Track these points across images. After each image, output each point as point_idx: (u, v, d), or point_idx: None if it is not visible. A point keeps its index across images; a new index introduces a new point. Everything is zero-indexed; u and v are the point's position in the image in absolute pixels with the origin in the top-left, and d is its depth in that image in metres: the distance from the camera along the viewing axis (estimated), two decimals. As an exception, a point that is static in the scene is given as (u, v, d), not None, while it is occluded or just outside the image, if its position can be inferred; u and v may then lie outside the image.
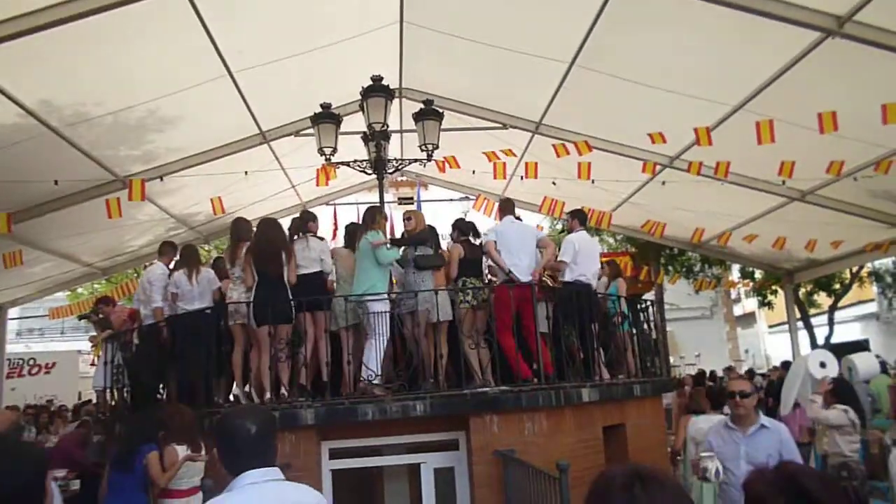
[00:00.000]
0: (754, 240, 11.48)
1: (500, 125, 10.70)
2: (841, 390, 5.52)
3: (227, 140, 10.23)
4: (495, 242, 6.88)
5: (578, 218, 7.75)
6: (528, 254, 6.90)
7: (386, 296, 6.27)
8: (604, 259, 9.59)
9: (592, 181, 9.12)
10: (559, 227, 16.61)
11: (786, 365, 10.75)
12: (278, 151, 10.63)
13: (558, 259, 7.32)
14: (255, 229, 6.57)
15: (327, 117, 7.99)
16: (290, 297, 6.16)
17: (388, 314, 6.11)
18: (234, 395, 5.95)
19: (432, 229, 7.21)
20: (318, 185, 9.84)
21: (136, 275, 14.91)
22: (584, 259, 7.18)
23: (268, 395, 5.74)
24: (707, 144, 7.75)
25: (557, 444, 5.42)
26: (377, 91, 7.54)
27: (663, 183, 9.95)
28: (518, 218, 7.46)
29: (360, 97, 7.96)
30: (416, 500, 5.97)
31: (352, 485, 6.11)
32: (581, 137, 9.43)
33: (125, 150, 9.34)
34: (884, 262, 18.96)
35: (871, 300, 22.37)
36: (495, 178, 9.57)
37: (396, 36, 9.19)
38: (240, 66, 8.40)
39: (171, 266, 7.35)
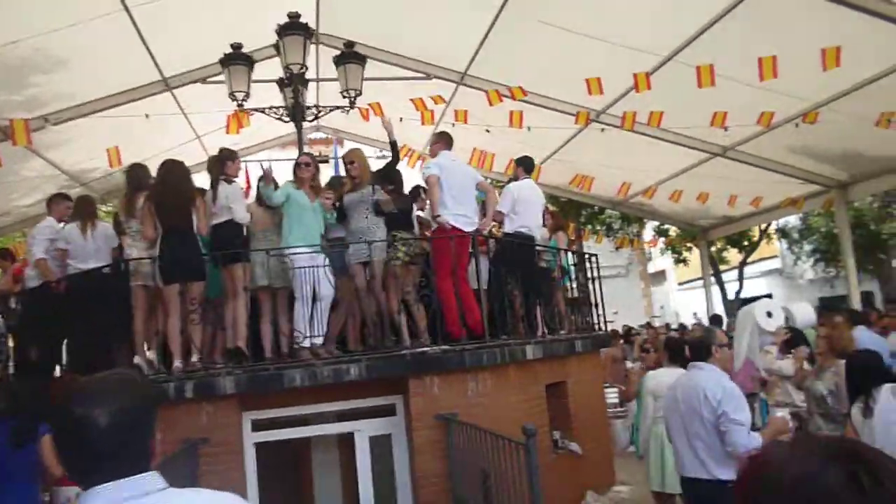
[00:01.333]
0: (679, 196, 11.49)
1: (424, 75, 10.17)
2: (795, 340, 5.45)
3: (125, 86, 9.25)
4: (438, 178, 6.09)
5: (524, 165, 7.24)
6: (470, 199, 6.30)
7: (320, 248, 5.73)
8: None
9: (528, 128, 8.73)
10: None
11: (715, 319, 10.88)
12: (183, 101, 9.71)
13: (497, 207, 6.81)
14: (155, 176, 5.73)
15: (239, 59, 7.26)
16: (203, 251, 5.48)
17: (323, 268, 5.61)
18: (136, 364, 5.28)
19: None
20: (228, 132, 9.03)
21: (24, 239, 13.59)
22: (525, 209, 6.73)
23: (177, 363, 5.05)
24: (646, 89, 7.50)
25: (501, 404, 5.09)
26: (295, 29, 6.86)
27: (602, 130, 9.69)
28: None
29: (274, 40, 7.26)
30: (349, 471, 5.52)
31: (279, 459, 5.58)
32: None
33: (4, 94, 8.25)
34: (789, 220, 19.73)
35: (775, 256, 23.38)
36: (423, 124, 9.01)
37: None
38: (138, 1, 7.50)
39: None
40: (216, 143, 10.34)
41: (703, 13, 7.43)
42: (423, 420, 4.98)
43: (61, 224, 6.27)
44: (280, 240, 5.84)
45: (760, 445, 3.60)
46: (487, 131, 8.94)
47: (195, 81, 9.65)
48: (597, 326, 6.85)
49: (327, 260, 5.77)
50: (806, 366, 5.26)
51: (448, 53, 9.78)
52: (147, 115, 8.78)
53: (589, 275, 6.89)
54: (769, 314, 6.19)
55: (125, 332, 5.31)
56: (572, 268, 7.12)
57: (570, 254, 6.75)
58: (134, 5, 7.52)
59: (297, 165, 6.10)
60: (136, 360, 5.16)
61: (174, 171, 5.51)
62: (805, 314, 6.31)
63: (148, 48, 8.48)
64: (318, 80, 10.12)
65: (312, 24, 9.52)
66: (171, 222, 5.32)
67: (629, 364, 9.76)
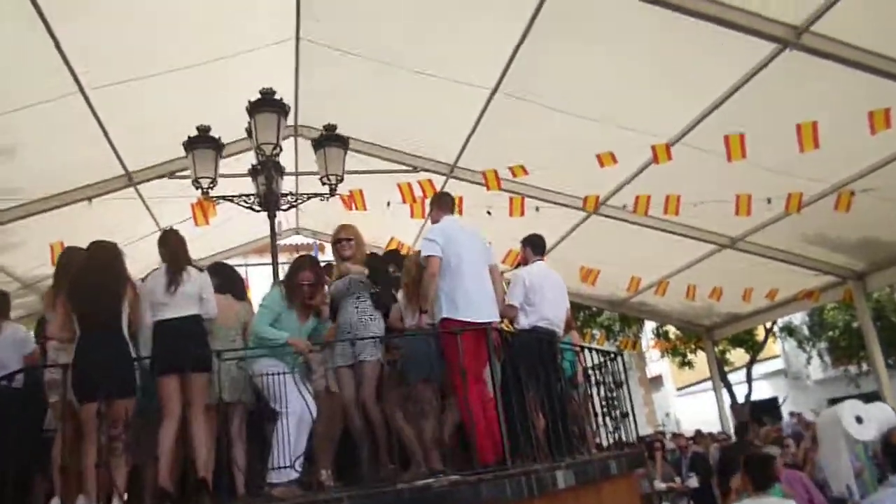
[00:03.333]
0: (694, 292, 10.62)
1: (411, 168, 9.47)
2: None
3: (82, 182, 8.41)
4: (440, 259, 4.80)
5: (532, 245, 6.05)
6: (484, 276, 4.98)
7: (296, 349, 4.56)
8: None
9: (537, 209, 7.92)
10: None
11: (742, 428, 9.75)
12: (146, 194, 8.87)
13: (507, 301, 5.62)
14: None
15: (205, 141, 6.46)
16: (133, 356, 4.27)
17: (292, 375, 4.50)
18: None
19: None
20: (196, 223, 8.14)
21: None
22: (542, 299, 5.60)
23: None
24: (667, 160, 6.75)
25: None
26: (268, 105, 6.11)
27: (607, 218, 8.90)
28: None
29: (246, 125, 6.50)
30: None
31: None
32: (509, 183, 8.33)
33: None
34: (794, 317, 18.90)
35: (777, 356, 22.41)
36: (412, 217, 8.19)
37: (292, 59, 7.87)
38: (95, 82, 6.78)
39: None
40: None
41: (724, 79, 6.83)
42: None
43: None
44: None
45: None
46: (489, 213, 8.10)
47: (161, 176, 8.85)
48: (628, 441, 5.72)
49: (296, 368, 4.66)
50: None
51: (437, 143, 9.13)
52: (90, 200, 7.83)
53: (618, 378, 5.81)
54: (859, 420, 5.08)
55: (42, 463, 4.13)
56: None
57: (593, 353, 5.68)
58: (92, 87, 6.81)
59: (297, 281, 4.81)
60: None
61: (98, 254, 4.42)
62: (885, 416, 5.19)
63: (108, 136, 7.70)
64: (297, 175, 9.36)
65: (291, 118, 8.95)
66: (90, 318, 4.20)
67: (657, 484, 8.54)
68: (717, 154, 7.27)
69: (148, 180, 8.82)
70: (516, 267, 6.13)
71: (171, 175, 8.72)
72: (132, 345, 4.29)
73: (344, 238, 5.32)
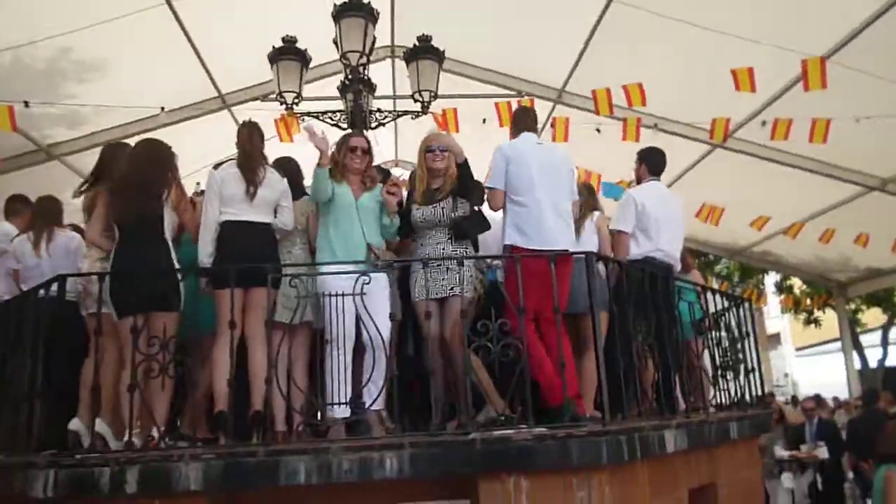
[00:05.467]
0: (831, 236, 9.36)
1: (515, 92, 8.71)
2: None
3: (181, 102, 8.22)
4: (506, 171, 4.17)
5: (649, 161, 5.09)
6: (562, 201, 4.24)
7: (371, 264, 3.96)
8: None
9: (655, 126, 6.95)
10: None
11: (870, 395, 8.61)
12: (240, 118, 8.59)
13: (610, 228, 4.90)
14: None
15: (290, 53, 5.99)
16: (175, 262, 3.78)
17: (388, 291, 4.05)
18: (71, 430, 3.73)
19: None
20: (280, 140, 7.80)
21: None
22: (657, 225, 4.72)
23: (114, 441, 3.42)
24: (819, 86, 5.67)
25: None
26: (354, 10, 5.52)
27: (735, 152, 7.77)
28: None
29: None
30: None
31: None
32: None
33: (39, 105, 7.29)
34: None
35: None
36: (502, 126, 7.40)
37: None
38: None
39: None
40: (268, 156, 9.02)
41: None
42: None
43: (15, 234, 4.73)
44: (305, 253, 4.34)
45: None
46: (598, 130, 7.25)
47: (255, 98, 8.56)
48: (753, 401, 4.89)
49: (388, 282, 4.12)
50: None
51: (543, 65, 8.30)
52: (163, 109, 7.67)
53: (744, 328, 4.95)
54: None
55: (68, 385, 3.81)
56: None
57: (717, 296, 4.81)
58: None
59: (345, 149, 4.33)
60: (74, 424, 3.67)
61: (145, 152, 3.97)
62: None
63: (198, 55, 7.42)
64: (394, 98, 8.81)
65: (387, 40, 8.38)
66: (130, 222, 3.73)
67: (778, 451, 7.63)
68: (871, 76, 6.15)
69: (241, 102, 8.56)
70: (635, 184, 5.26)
71: (265, 98, 8.41)
72: (175, 252, 3.87)
73: (437, 147, 4.46)
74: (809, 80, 5.81)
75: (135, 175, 3.85)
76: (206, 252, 3.94)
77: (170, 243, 3.85)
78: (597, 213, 4.95)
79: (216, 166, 4.23)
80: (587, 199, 4.98)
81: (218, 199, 4.00)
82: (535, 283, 3.71)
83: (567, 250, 4.09)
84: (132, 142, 7.67)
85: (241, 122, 4.50)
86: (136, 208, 3.78)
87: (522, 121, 4.57)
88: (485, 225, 4.51)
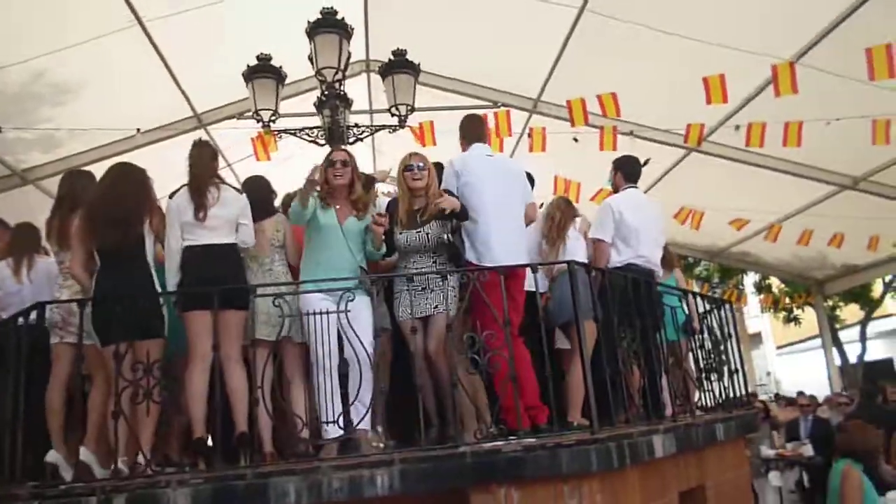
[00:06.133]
0: (809, 237, 9.51)
1: (490, 103, 8.77)
2: None
3: (155, 122, 8.16)
4: (458, 179, 4.23)
5: (624, 170, 5.14)
6: (512, 215, 4.30)
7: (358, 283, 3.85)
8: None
9: (632, 133, 7.01)
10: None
11: (869, 389, 8.69)
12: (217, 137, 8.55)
13: (590, 235, 4.94)
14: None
15: (265, 71, 5.99)
16: (156, 286, 3.76)
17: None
18: (49, 462, 3.66)
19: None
20: (257, 158, 7.78)
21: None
22: (636, 233, 4.77)
23: (115, 464, 3.31)
24: (789, 91, 5.78)
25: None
26: (328, 26, 5.53)
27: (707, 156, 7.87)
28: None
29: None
30: None
31: None
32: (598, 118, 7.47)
33: (13, 130, 7.22)
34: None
35: (894, 314, 20.53)
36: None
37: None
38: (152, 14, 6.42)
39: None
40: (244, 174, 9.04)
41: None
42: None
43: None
44: (284, 268, 4.30)
45: None
46: (575, 140, 7.31)
47: (230, 117, 8.53)
48: (738, 401, 4.93)
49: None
50: None
51: (518, 75, 8.37)
52: (139, 130, 7.53)
53: (726, 330, 5.00)
54: None
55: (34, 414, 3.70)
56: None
57: (698, 299, 4.85)
58: (149, 18, 6.45)
59: (326, 163, 4.23)
60: (51, 456, 3.62)
61: (120, 178, 3.91)
62: None
63: (172, 75, 7.39)
64: (371, 113, 8.82)
65: (362, 55, 8.38)
66: (111, 247, 3.70)
67: (764, 450, 7.67)
68: (839, 77, 6.29)
69: (217, 121, 8.54)
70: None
71: (241, 115, 8.38)
72: (157, 278, 3.85)
73: (415, 164, 4.36)
74: (780, 86, 5.92)
75: (112, 203, 3.80)
76: (172, 282, 3.90)
77: (152, 270, 3.81)
78: (578, 219, 4.98)
79: (171, 195, 4.20)
80: (565, 208, 5.02)
81: (178, 227, 3.95)
82: (497, 296, 3.71)
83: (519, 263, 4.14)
84: (106, 164, 7.68)
85: (204, 141, 4.48)
86: (116, 238, 3.73)
87: (473, 131, 4.58)
88: None
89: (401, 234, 4.34)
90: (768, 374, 24.34)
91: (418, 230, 4.30)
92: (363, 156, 10.77)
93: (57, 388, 3.83)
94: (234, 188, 4.20)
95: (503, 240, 4.19)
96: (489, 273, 3.81)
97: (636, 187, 5.17)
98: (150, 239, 3.86)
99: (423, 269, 4.24)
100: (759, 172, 8.55)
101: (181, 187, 4.09)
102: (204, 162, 4.14)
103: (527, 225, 4.60)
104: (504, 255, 4.14)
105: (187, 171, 4.16)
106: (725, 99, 6.27)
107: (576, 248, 4.80)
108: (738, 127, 7.02)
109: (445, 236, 4.29)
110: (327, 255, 4.10)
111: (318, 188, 4.12)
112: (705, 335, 4.94)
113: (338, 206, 4.24)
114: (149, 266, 3.81)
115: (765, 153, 8.18)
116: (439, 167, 4.59)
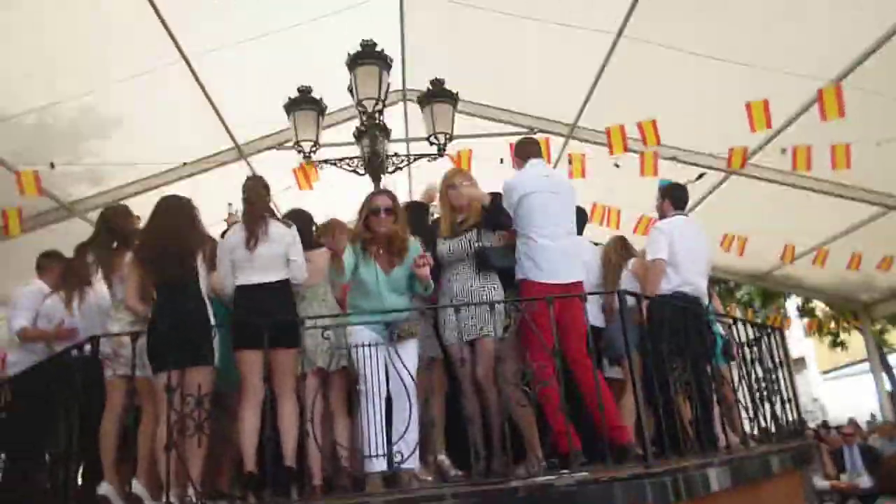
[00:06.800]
0: (859, 261, 9.26)
1: (527, 129, 8.76)
2: None
3: (196, 155, 8.33)
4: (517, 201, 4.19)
5: (672, 197, 5.04)
6: (569, 229, 4.28)
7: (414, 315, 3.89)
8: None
9: (675, 159, 6.95)
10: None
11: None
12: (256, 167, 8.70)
13: (647, 257, 4.79)
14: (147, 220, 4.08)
15: (306, 102, 6.07)
16: (210, 317, 3.79)
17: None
18: (102, 495, 3.67)
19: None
20: (299, 188, 7.89)
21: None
22: (685, 259, 4.64)
23: (167, 496, 3.26)
24: (836, 115, 5.67)
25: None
26: (368, 58, 5.60)
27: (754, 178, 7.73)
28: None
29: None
30: None
31: None
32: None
33: (61, 164, 7.41)
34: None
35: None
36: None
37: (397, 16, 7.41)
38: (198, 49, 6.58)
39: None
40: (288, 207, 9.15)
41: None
42: None
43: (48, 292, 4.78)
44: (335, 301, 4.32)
45: None
46: (617, 166, 7.26)
47: (270, 148, 8.68)
48: (792, 431, 4.76)
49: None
50: None
51: (554, 101, 8.37)
52: (184, 164, 7.69)
53: (777, 357, 4.86)
54: None
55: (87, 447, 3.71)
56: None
57: (745, 326, 4.74)
58: (192, 54, 6.61)
59: (366, 211, 4.11)
60: (102, 488, 3.65)
61: (171, 210, 3.99)
62: None
63: (215, 107, 7.55)
64: (407, 141, 8.90)
65: (398, 84, 8.48)
66: (169, 280, 3.78)
67: (818, 482, 7.43)
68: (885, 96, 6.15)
69: (258, 152, 8.69)
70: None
71: (280, 146, 8.52)
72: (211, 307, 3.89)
73: (452, 184, 4.48)
74: (826, 110, 5.80)
75: (168, 237, 3.88)
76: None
77: (207, 301, 3.87)
78: (631, 261, 4.98)
79: (222, 234, 4.26)
80: (621, 251, 5.06)
81: (228, 264, 4.01)
82: (545, 322, 3.66)
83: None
84: (149, 195, 7.84)
85: (258, 175, 4.57)
86: (174, 271, 3.81)
87: (527, 150, 4.62)
88: (512, 256, 4.36)
89: (444, 242, 4.45)
90: (815, 400, 23.64)
91: (459, 238, 4.41)
92: (400, 182, 10.90)
93: (110, 420, 3.88)
94: (283, 222, 4.23)
95: (559, 257, 4.18)
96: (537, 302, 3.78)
97: (685, 214, 5.10)
98: (203, 269, 3.91)
99: (464, 281, 4.32)
100: (802, 194, 8.37)
101: (232, 225, 4.15)
102: (260, 194, 4.20)
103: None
104: (563, 270, 4.15)
105: (242, 203, 4.21)
106: (769, 124, 6.17)
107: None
108: (784, 150, 6.89)
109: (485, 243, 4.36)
110: (371, 305, 4.05)
111: (356, 238, 4.11)
112: (753, 362, 4.80)
113: (379, 252, 4.12)
114: (203, 297, 3.87)
115: (807, 174, 8.04)
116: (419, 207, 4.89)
